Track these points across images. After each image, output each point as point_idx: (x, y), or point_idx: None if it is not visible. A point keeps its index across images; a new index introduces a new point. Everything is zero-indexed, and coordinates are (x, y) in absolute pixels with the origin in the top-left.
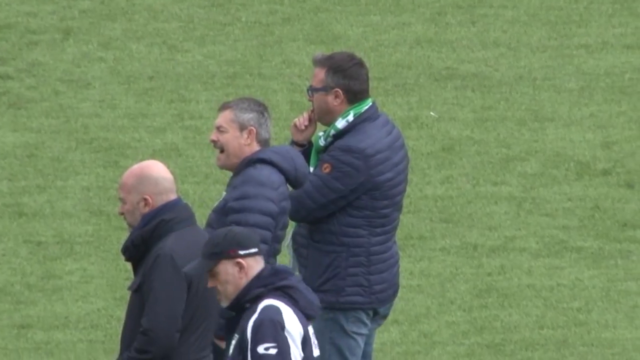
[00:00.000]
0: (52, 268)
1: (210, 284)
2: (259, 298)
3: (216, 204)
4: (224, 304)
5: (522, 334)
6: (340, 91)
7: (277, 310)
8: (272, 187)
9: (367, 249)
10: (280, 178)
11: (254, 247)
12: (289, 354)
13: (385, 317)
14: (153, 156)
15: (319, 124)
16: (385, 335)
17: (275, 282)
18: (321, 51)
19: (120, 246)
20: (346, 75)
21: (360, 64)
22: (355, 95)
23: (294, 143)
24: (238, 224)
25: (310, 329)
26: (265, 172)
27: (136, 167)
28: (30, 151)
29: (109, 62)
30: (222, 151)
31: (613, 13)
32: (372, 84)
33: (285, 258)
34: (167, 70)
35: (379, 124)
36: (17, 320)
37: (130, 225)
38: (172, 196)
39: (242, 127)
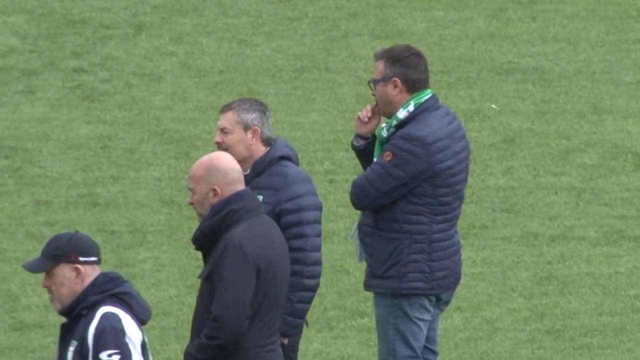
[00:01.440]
0: (125, 257)
1: (44, 284)
2: (96, 305)
3: None
4: (57, 307)
5: (581, 321)
6: (398, 80)
7: (117, 318)
8: (311, 182)
9: (428, 236)
10: None
11: (94, 255)
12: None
13: (447, 303)
14: None
15: (382, 117)
16: (449, 322)
17: (111, 289)
18: (385, 46)
19: (191, 235)
20: (403, 64)
21: (417, 54)
22: (413, 84)
23: (358, 136)
24: (299, 223)
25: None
26: (298, 169)
27: (205, 158)
28: (104, 143)
29: (180, 56)
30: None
31: None
32: (436, 77)
33: (350, 246)
34: (236, 64)
35: (439, 114)
36: None
37: (200, 215)
38: (240, 187)
39: (246, 128)
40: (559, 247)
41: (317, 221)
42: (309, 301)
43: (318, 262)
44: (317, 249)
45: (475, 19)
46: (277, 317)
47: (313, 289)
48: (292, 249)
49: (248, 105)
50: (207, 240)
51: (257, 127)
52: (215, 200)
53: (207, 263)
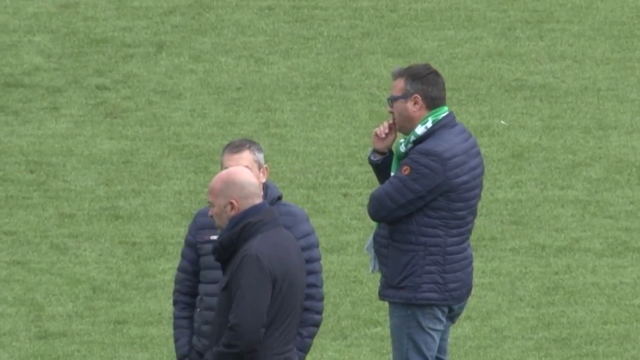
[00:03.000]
0: (146, 267)
1: None
2: None
3: None
4: None
5: (587, 329)
6: (419, 97)
7: None
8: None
9: (443, 248)
10: None
11: None
12: None
13: (459, 314)
14: None
15: (398, 133)
16: (459, 331)
17: None
18: (398, 64)
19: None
20: (424, 82)
21: (436, 72)
22: (433, 101)
23: (375, 152)
24: (310, 260)
25: None
26: (299, 207)
27: (224, 172)
28: (125, 157)
29: (199, 74)
30: None
31: None
32: (447, 94)
33: (363, 258)
34: (253, 82)
35: (455, 131)
36: (113, 317)
37: (219, 227)
38: (258, 200)
39: (259, 167)
40: (566, 258)
41: (320, 258)
42: (314, 336)
43: (324, 298)
44: (323, 284)
45: (485, 38)
46: (293, 326)
47: (319, 325)
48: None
49: (257, 146)
50: (225, 251)
51: (266, 167)
52: (233, 213)
53: (226, 274)
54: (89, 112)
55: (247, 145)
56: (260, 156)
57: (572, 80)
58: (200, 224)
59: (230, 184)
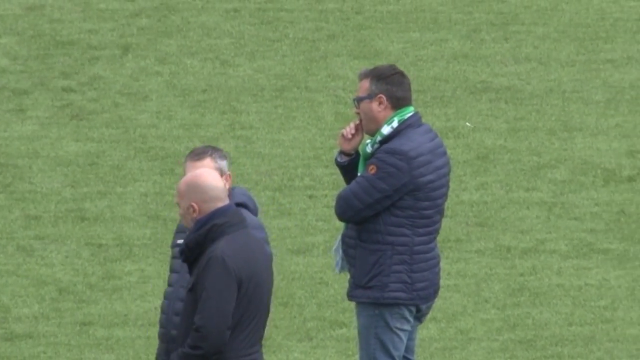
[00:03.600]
0: (112, 269)
1: None
2: None
3: None
4: None
5: (552, 331)
6: (383, 97)
7: None
8: (265, 230)
9: (410, 247)
10: None
11: None
12: None
13: (426, 314)
14: None
15: (365, 134)
16: (424, 332)
17: None
18: (364, 66)
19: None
20: (388, 82)
21: (401, 73)
22: (398, 101)
23: (341, 153)
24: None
25: None
26: (254, 217)
27: (190, 175)
28: (91, 159)
29: (165, 76)
30: None
31: (637, 30)
32: (412, 96)
33: (329, 259)
34: (219, 84)
35: (421, 131)
36: (79, 318)
37: (186, 227)
38: (221, 203)
39: (222, 174)
40: (531, 260)
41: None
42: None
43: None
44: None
45: (450, 40)
46: (259, 327)
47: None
48: None
49: (220, 153)
50: (192, 253)
51: (229, 174)
52: (194, 215)
53: (192, 275)
54: (55, 114)
55: (209, 153)
56: (223, 163)
57: (537, 82)
58: (178, 228)
59: (193, 187)
